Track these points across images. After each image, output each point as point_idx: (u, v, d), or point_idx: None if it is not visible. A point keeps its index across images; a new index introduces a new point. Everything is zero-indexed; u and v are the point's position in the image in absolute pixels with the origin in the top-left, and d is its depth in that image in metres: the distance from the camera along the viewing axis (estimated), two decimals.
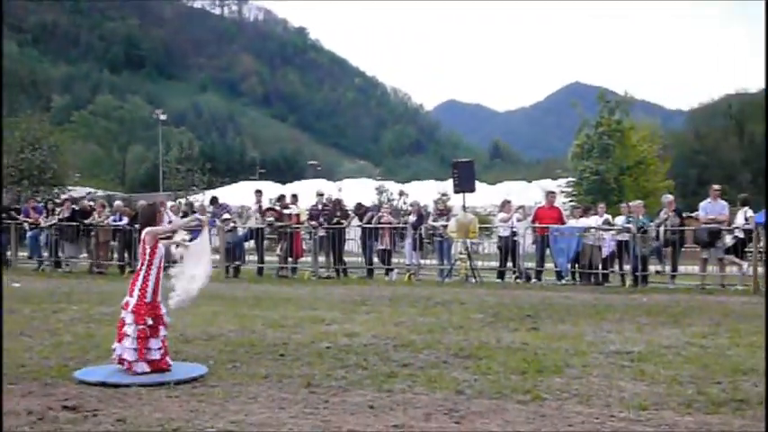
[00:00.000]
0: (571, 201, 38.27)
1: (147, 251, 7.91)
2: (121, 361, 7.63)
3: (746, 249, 18.51)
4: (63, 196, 36.81)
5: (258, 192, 23.51)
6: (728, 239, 18.66)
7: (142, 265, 7.91)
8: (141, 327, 7.64)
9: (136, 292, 7.79)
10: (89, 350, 9.00)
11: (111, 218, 22.56)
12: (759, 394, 6.82)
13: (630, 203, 20.81)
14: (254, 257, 22.32)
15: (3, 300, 8.67)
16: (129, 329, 7.63)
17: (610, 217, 20.46)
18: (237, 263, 21.56)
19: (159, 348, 7.73)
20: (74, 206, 23.91)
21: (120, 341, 7.69)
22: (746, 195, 20.48)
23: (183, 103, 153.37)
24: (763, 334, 10.47)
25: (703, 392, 6.89)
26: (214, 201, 24.24)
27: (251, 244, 22.63)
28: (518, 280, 19.88)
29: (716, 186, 19.87)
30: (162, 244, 8.08)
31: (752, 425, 5.95)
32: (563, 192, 41.24)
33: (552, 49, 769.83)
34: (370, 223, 21.42)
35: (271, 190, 38.92)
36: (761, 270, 17.84)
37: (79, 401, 6.55)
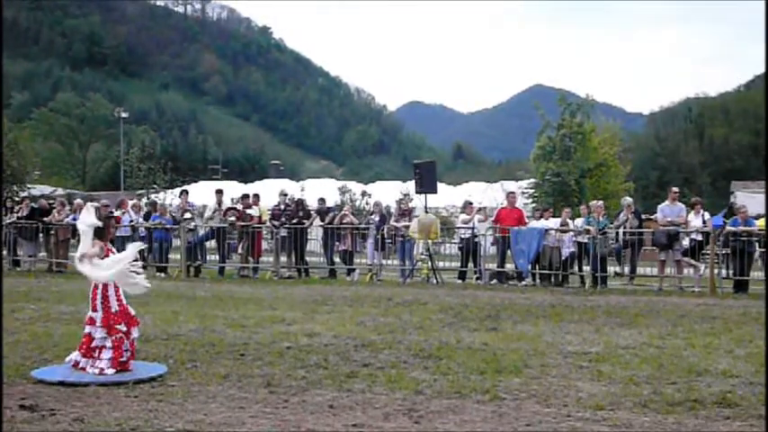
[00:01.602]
0: (532, 202, 38.43)
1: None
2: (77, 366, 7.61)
3: (704, 252, 18.75)
4: (22, 194, 36.44)
5: (219, 191, 23.30)
6: (686, 242, 18.90)
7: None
8: (117, 336, 7.62)
9: (99, 306, 7.73)
10: (47, 349, 8.93)
11: (71, 216, 22.36)
12: (713, 394, 6.93)
13: (591, 203, 20.96)
14: (216, 257, 22.22)
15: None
16: (106, 342, 7.60)
17: (570, 220, 20.57)
18: (198, 262, 21.47)
19: (128, 350, 7.71)
20: (33, 204, 23.69)
21: (87, 356, 7.63)
22: (698, 198, 20.70)
23: (146, 102, 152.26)
24: (720, 335, 10.65)
25: (659, 392, 6.99)
26: (184, 194, 23.73)
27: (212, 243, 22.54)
28: (479, 281, 19.99)
29: (674, 189, 20.13)
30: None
31: (705, 424, 6.04)
32: (524, 193, 41.41)
33: (515, 52, 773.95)
34: (332, 223, 21.42)
35: (233, 189, 38.72)
36: (717, 272, 18.08)
37: (36, 401, 6.51)
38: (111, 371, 7.49)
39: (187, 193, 23.93)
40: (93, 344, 7.63)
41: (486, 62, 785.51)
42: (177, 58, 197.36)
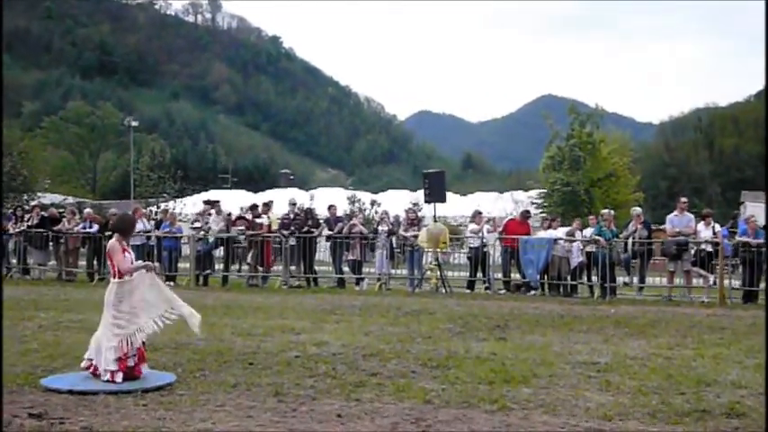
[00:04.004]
0: (542, 212, 38.43)
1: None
2: (93, 369, 7.64)
3: (713, 262, 18.68)
4: (32, 203, 36.56)
5: (215, 202, 23.10)
6: (695, 252, 18.85)
7: (113, 277, 7.91)
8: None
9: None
10: (57, 358, 8.97)
11: (81, 225, 22.42)
12: (722, 405, 6.92)
13: (602, 212, 20.91)
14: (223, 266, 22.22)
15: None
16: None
17: (579, 231, 20.48)
18: (207, 271, 21.49)
19: (134, 355, 7.74)
20: (43, 213, 23.75)
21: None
22: (709, 210, 20.64)
23: (156, 111, 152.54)
24: (729, 345, 10.61)
25: (667, 403, 6.98)
26: (208, 203, 23.68)
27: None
28: (487, 290, 19.97)
29: (683, 199, 20.08)
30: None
31: None
32: (534, 203, 41.42)
33: (525, 62, 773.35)
34: (342, 233, 21.40)
35: (243, 198, 38.78)
36: (726, 282, 18.05)
37: (45, 409, 6.54)
38: (119, 376, 7.52)
39: (210, 203, 23.73)
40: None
41: (495, 72, 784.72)
42: (187, 67, 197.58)
